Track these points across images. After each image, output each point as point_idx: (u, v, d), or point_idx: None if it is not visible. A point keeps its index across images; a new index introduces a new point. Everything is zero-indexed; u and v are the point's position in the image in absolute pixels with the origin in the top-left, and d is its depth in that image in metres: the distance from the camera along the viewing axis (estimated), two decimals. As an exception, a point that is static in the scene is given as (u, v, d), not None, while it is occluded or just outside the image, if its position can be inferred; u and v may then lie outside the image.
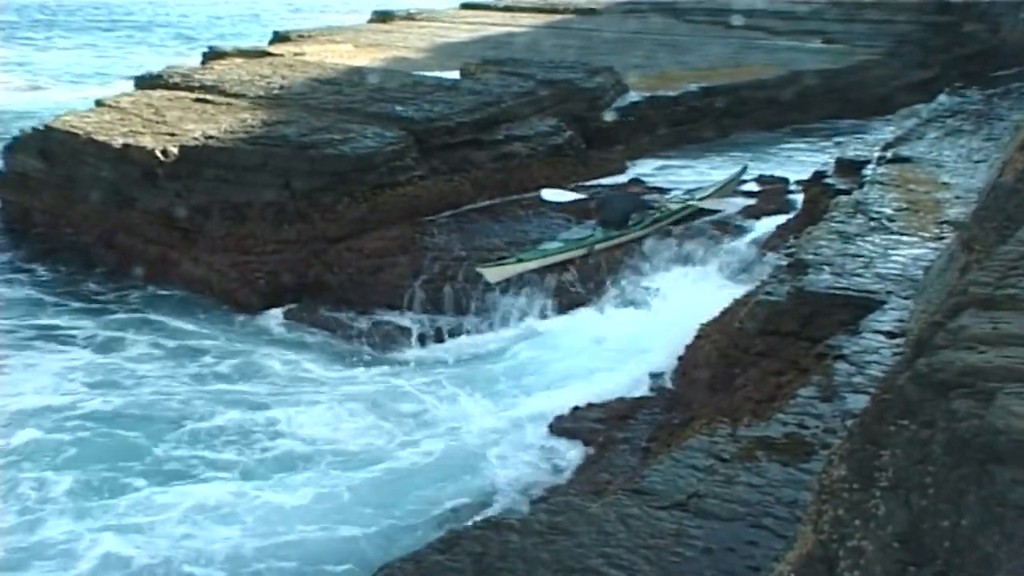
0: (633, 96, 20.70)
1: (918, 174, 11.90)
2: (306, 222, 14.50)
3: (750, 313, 8.66)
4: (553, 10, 34.27)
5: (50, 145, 16.06)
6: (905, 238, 9.47)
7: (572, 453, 9.12)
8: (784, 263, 9.68)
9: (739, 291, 10.95)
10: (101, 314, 13.37)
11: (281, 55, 22.77)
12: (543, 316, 12.84)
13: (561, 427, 9.50)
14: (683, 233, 14.50)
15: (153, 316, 13.42)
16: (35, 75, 32.65)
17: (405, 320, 13.28)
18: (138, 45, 41.69)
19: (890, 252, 9.08)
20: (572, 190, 16.27)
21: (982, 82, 20.05)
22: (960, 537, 2.08)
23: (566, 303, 12.95)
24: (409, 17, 32.49)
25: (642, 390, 9.99)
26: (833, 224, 10.10)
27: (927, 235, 9.49)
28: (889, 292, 8.09)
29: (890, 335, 7.24)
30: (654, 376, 10.11)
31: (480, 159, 16.72)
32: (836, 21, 30.32)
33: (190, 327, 13.08)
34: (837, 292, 8.21)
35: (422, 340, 12.90)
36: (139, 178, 15.06)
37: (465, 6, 35.76)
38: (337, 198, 14.74)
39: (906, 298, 7.84)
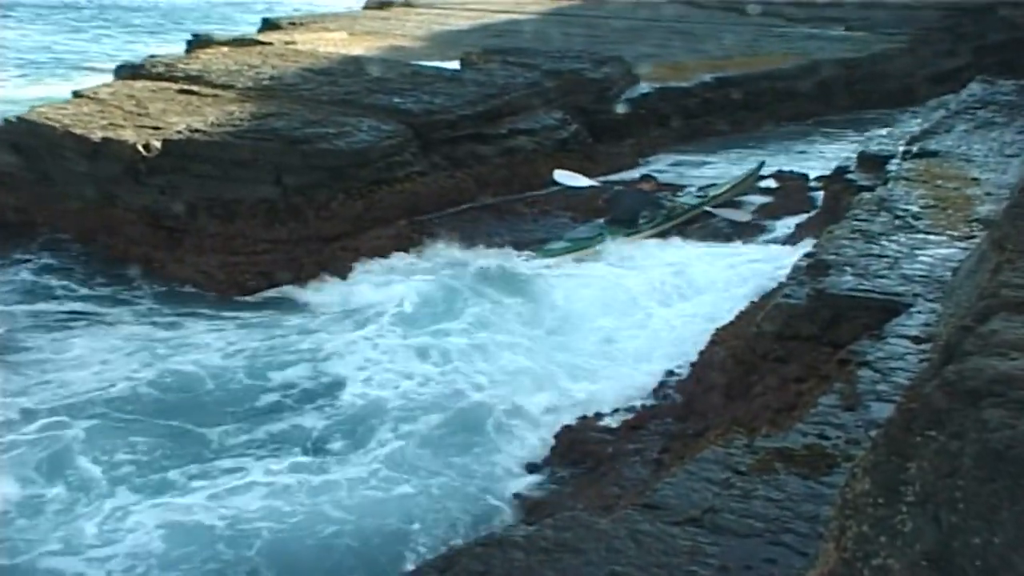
0: (644, 87, 20.71)
1: (946, 169, 11.88)
2: (299, 220, 14.50)
3: (768, 316, 8.64)
4: (559, -4, 34.33)
5: (24, 139, 16.06)
6: (932, 237, 9.46)
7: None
8: (804, 264, 9.66)
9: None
10: (83, 315, 13.31)
11: (271, 44, 22.78)
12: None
13: (567, 438, 9.47)
14: (696, 232, 14.53)
15: (146, 305, 13.37)
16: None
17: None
18: (115, 31, 41.52)
19: (916, 252, 9.07)
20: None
21: (1016, 71, 20.02)
22: (993, 556, 2.07)
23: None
24: (407, 3, 32.55)
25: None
26: (856, 222, 10.08)
27: (956, 234, 9.48)
28: (915, 294, 8.08)
29: (917, 340, 7.23)
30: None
31: (482, 154, 16.73)
32: (859, 7, 30.33)
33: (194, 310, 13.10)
34: (860, 294, 8.20)
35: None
36: (120, 174, 15.05)
37: (466, -8, 35.81)
38: (332, 195, 14.74)
39: (934, 301, 7.83)
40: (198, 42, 23.75)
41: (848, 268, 8.75)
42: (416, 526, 7.93)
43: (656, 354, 10.57)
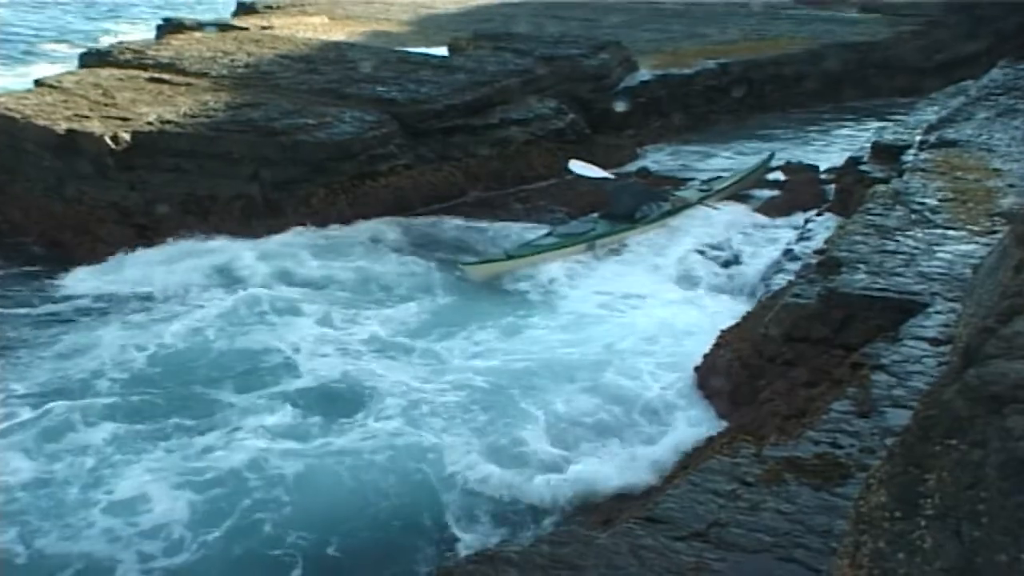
0: (644, 75, 20.73)
1: (966, 160, 11.90)
2: (277, 217, 14.47)
3: (776, 317, 8.65)
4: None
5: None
6: (951, 232, 9.46)
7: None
8: (814, 261, 9.67)
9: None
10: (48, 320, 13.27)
11: (247, 29, 22.79)
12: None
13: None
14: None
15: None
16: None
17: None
18: (77, 8, 41.12)
19: (934, 248, 9.08)
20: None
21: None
22: (1020, 574, 2.06)
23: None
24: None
25: None
26: (869, 217, 10.09)
27: (976, 229, 9.49)
28: (933, 293, 8.08)
29: (935, 342, 7.23)
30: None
31: (472, 146, 16.71)
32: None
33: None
34: (874, 294, 8.20)
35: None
36: (87, 168, 15.02)
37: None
38: (312, 190, 14.73)
39: (953, 300, 7.83)
40: (169, 27, 23.73)
41: (861, 266, 8.75)
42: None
43: None
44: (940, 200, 10.41)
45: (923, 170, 11.57)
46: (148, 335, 11.61)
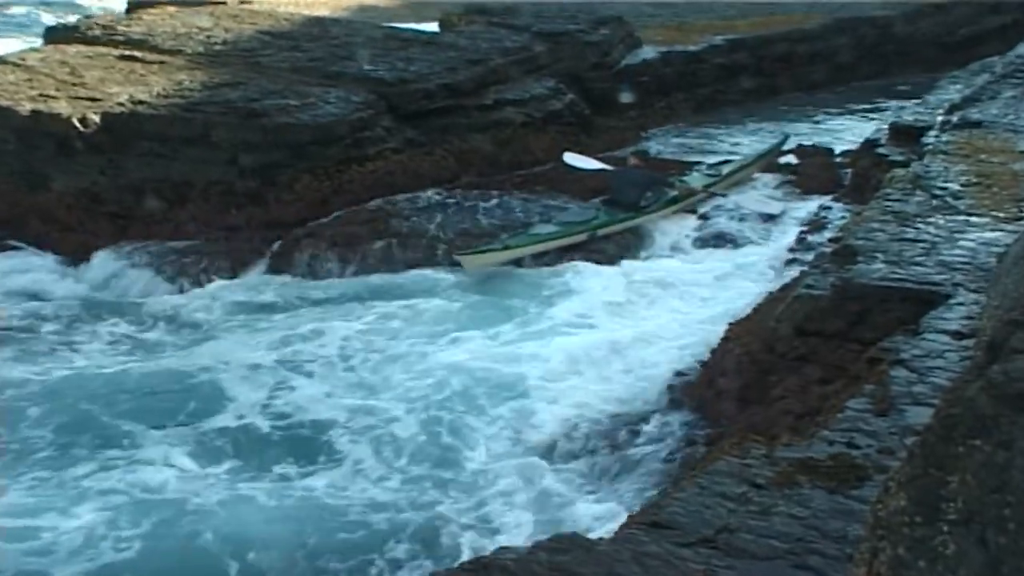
0: (647, 52, 20.69)
1: (991, 141, 11.90)
2: (258, 204, 14.47)
3: (788, 310, 8.65)
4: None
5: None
6: (975, 219, 9.47)
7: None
8: (829, 250, 9.67)
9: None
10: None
11: (224, 3, 22.65)
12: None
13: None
14: (707, 216, 14.55)
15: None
16: None
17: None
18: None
19: (956, 236, 9.08)
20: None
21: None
22: (1046, 582, 2.06)
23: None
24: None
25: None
26: (887, 203, 10.09)
27: (1002, 215, 9.49)
28: (956, 284, 8.09)
29: (958, 335, 7.24)
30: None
31: (464, 128, 16.68)
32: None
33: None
34: (893, 284, 8.20)
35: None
36: (53, 152, 14.99)
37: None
38: (294, 176, 14.71)
39: (976, 291, 7.84)
40: (140, 0, 23.61)
41: (879, 255, 8.75)
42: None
43: None
44: (963, 184, 10.40)
45: (945, 152, 11.57)
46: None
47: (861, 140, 15.04)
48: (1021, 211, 9.45)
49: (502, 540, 7.63)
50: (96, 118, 14.90)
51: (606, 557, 5.32)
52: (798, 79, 22.46)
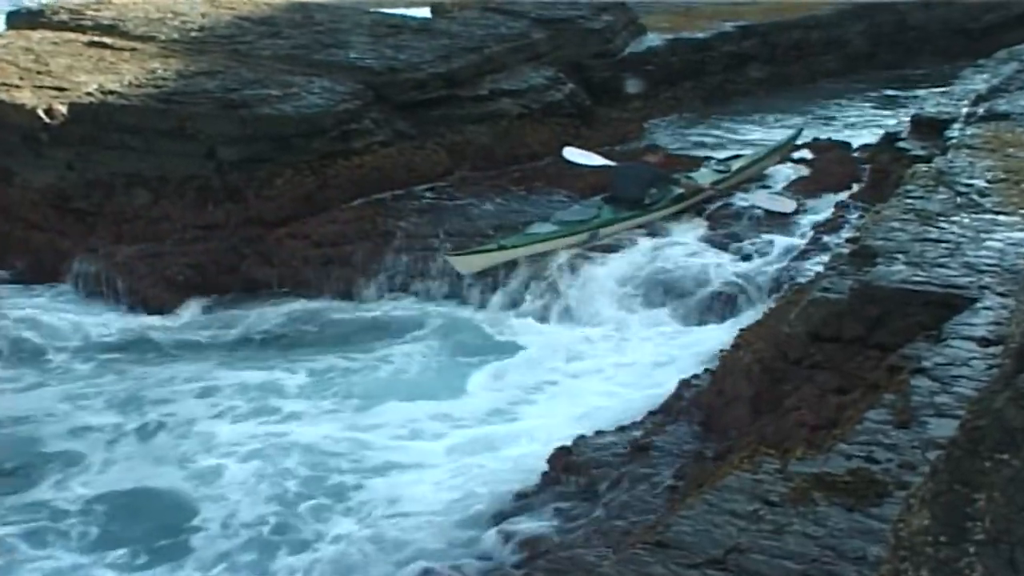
0: (652, 39, 20.73)
1: (1019, 135, 11.92)
2: (237, 201, 14.46)
3: (802, 314, 8.64)
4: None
5: None
6: (1002, 217, 9.47)
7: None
8: (846, 251, 9.67)
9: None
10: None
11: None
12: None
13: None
14: (716, 214, 14.54)
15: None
16: None
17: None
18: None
19: (983, 236, 9.08)
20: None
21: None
22: (1079, 606, 2.06)
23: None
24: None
25: None
26: (909, 200, 10.09)
27: (1031, 214, 9.50)
28: (982, 287, 8.08)
29: (984, 342, 7.23)
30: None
31: (458, 120, 16.69)
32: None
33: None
34: (914, 287, 8.20)
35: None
36: (17, 145, 15.00)
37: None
38: (276, 170, 14.70)
39: (1004, 295, 7.84)
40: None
41: (900, 256, 8.74)
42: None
43: None
44: (990, 181, 10.41)
45: (970, 147, 11.58)
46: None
47: (879, 133, 15.05)
48: (1051, 210, 9.47)
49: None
50: (63, 109, 14.90)
51: (608, 578, 5.32)
52: (811, 68, 22.51)
